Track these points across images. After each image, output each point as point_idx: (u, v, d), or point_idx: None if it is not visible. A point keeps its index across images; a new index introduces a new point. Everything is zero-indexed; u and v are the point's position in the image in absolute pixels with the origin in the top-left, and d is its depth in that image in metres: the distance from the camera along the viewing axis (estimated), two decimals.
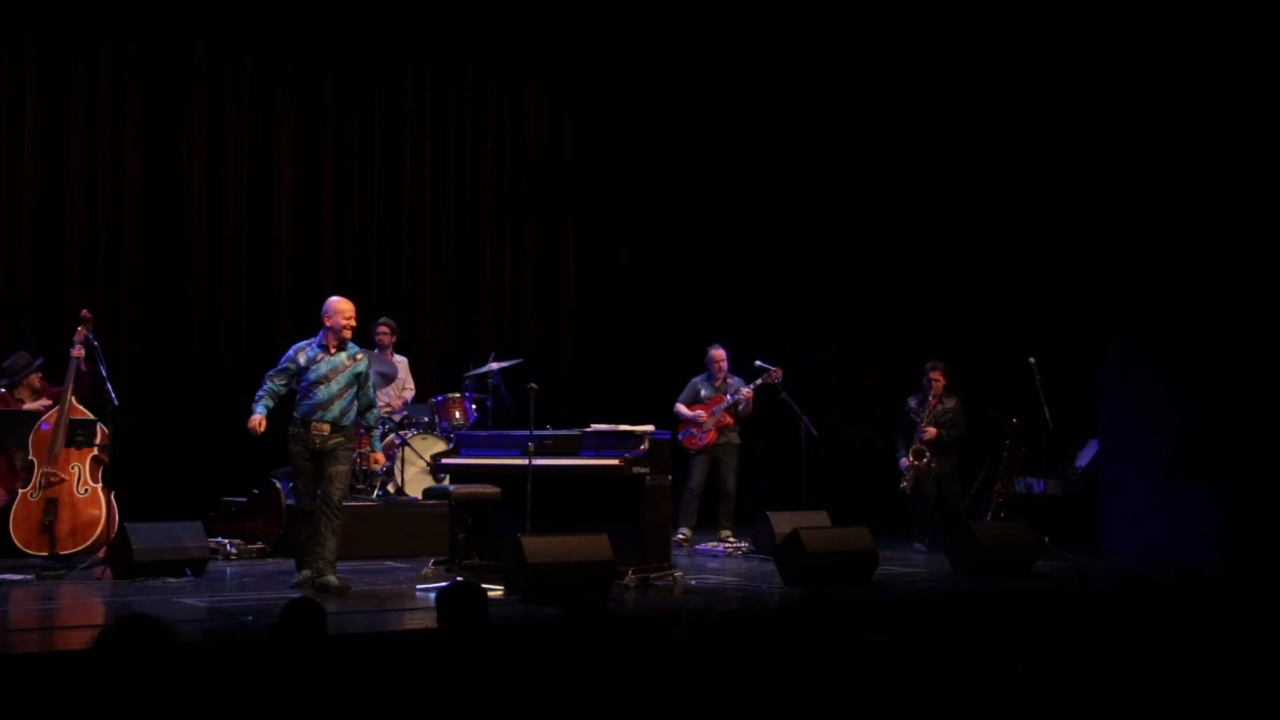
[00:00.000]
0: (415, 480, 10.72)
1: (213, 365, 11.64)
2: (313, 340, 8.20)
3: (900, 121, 13.21)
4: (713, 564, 10.12)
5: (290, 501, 9.27)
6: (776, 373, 10.99)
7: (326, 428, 8.02)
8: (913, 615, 7.67)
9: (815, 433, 10.89)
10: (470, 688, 4.34)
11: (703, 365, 11.33)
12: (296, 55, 12.13)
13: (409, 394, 11.21)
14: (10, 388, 9.17)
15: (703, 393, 11.26)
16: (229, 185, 11.82)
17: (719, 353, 11.25)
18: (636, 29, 13.28)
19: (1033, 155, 12.36)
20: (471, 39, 12.92)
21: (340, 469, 8.08)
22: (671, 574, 8.57)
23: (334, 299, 8.28)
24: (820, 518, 10.04)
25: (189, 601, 7.58)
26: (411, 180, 12.77)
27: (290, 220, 12.10)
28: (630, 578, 8.14)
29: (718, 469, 11.16)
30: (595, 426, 8.78)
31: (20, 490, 8.85)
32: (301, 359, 8.11)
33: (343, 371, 8.09)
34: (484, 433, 9.83)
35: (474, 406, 11.09)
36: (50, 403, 9.08)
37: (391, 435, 10.71)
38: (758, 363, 11.11)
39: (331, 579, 7.89)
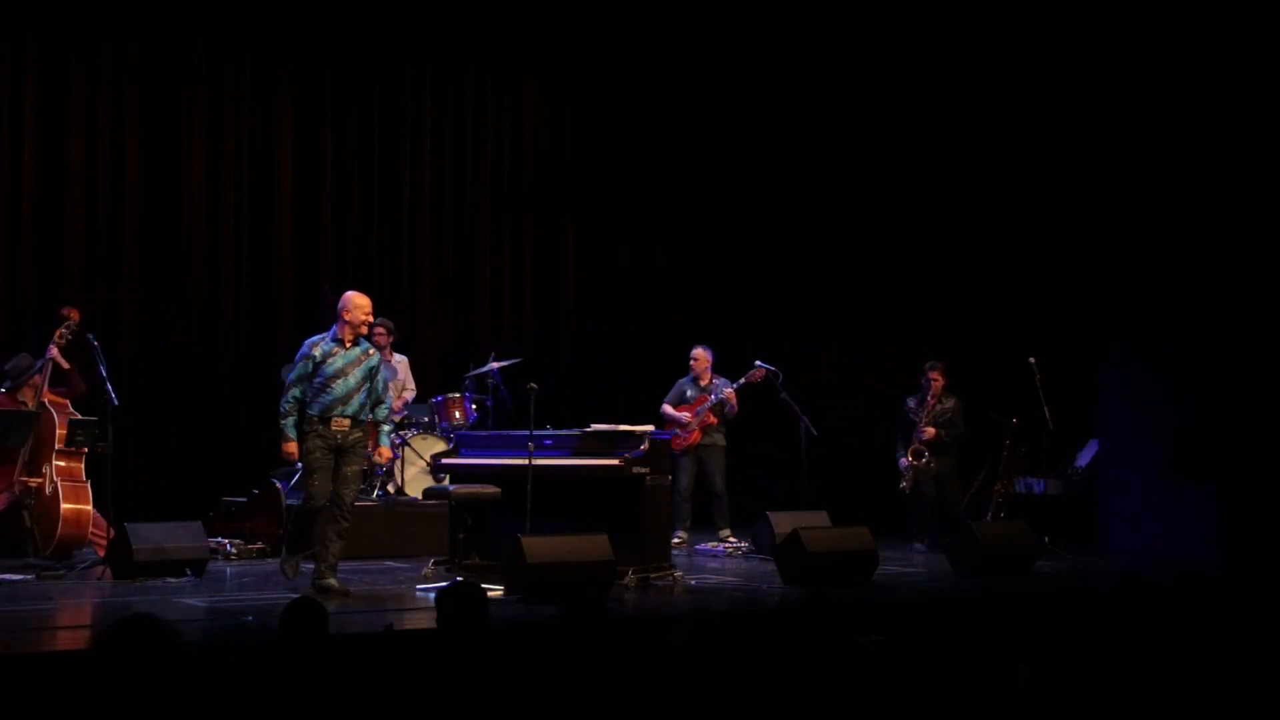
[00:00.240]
0: (415, 480, 10.72)
1: (213, 365, 11.65)
2: (326, 335, 8.09)
3: (900, 121, 13.21)
4: (712, 564, 10.12)
5: (291, 501, 9.27)
6: (759, 373, 10.98)
7: (347, 423, 7.95)
8: (913, 615, 7.67)
9: (815, 433, 10.89)
10: (470, 688, 4.34)
11: None
12: (296, 55, 12.13)
13: (409, 394, 11.20)
14: (13, 390, 9.16)
15: (688, 393, 11.24)
16: (229, 185, 11.82)
17: (700, 352, 11.22)
18: (636, 29, 13.28)
19: (1033, 155, 12.36)
20: (471, 39, 12.92)
21: (356, 469, 8.05)
22: (671, 574, 8.58)
23: (352, 293, 8.15)
24: (820, 518, 10.04)
25: (189, 601, 7.57)
26: (411, 180, 12.77)
27: (290, 220, 12.10)
28: (630, 578, 8.15)
29: (704, 470, 11.10)
30: (595, 426, 8.79)
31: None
32: (317, 353, 7.98)
33: (359, 365, 8.02)
34: (484, 433, 9.83)
35: (474, 406, 11.09)
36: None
37: (392, 435, 10.70)
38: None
39: (332, 582, 7.85)
